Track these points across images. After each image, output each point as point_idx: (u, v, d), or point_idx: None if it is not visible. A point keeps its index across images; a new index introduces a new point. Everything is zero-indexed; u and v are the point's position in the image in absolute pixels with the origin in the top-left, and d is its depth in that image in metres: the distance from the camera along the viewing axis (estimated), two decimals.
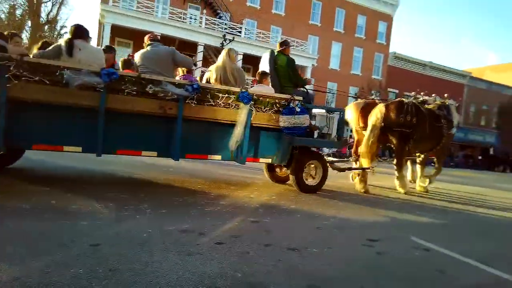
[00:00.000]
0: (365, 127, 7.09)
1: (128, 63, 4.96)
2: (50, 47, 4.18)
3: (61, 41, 4.15)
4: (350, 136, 14.08)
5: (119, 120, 4.32)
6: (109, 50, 5.33)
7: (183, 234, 2.92)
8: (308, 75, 23.69)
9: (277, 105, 5.23)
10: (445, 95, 7.89)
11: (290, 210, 4.32)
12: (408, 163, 8.29)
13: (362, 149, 6.63)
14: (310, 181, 5.76)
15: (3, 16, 22.56)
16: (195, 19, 23.49)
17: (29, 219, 2.92)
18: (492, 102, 37.16)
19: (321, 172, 5.81)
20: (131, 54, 8.47)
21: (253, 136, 5.10)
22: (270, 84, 5.71)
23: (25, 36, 22.02)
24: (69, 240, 2.51)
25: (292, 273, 2.37)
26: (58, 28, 24.89)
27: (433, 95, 7.81)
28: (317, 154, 6.10)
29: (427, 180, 7.69)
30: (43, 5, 23.28)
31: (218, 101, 4.74)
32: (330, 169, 6.09)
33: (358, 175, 6.79)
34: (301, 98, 5.47)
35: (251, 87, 5.62)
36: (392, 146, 6.98)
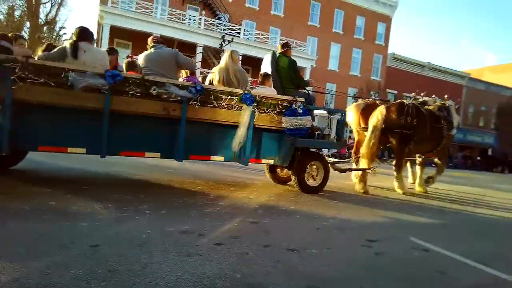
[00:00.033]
0: (365, 128, 7.13)
1: (131, 65, 4.99)
2: (55, 49, 4.20)
3: (66, 43, 4.18)
4: (350, 137, 14.09)
5: (123, 121, 4.35)
6: (112, 52, 5.36)
7: (182, 235, 2.93)
8: (307, 76, 23.72)
9: (280, 106, 5.27)
10: (445, 96, 7.92)
11: (289, 211, 4.32)
12: (408, 164, 8.32)
13: (363, 150, 6.66)
14: (311, 182, 5.79)
15: (1, 17, 22.57)
16: (194, 20, 23.50)
17: (30, 220, 2.92)
18: (490, 103, 37.24)
19: (322, 173, 5.84)
20: (130, 55, 8.47)
21: (255, 137, 5.13)
22: (272, 85, 5.73)
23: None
24: (69, 241, 2.51)
25: (291, 273, 2.37)
26: (57, 29, 24.92)
27: (433, 96, 7.84)
28: (318, 155, 6.14)
29: (430, 180, 7.78)
30: (42, 6, 23.31)
31: (221, 102, 4.78)
32: (330, 170, 6.10)
33: (359, 175, 6.82)
34: (303, 99, 5.50)
35: (250, 88, 5.63)
36: (393, 147, 7.00)
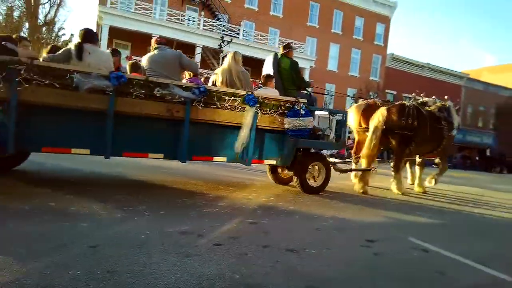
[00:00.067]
0: (366, 128, 7.16)
1: (135, 67, 5.03)
2: (60, 51, 4.23)
3: (71, 45, 4.22)
4: (349, 138, 14.09)
5: (127, 122, 4.37)
6: (115, 53, 5.37)
7: (181, 235, 2.92)
8: (306, 76, 23.74)
9: (282, 107, 5.29)
10: (445, 97, 7.95)
11: (288, 211, 4.32)
12: (407, 165, 8.35)
13: (364, 151, 6.69)
14: (313, 183, 5.81)
15: (0, 18, 22.51)
16: (193, 20, 23.52)
17: (29, 221, 2.92)
18: (489, 103, 37.31)
19: (324, 173, 5.86)
20: (129, 56, 8.48)
21: (258, 138, 5.16)
22: (274, 86, 5.76)
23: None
24: (68, 241, 2.51)
25: (290, 274, 2.37)
26: (56, 30, 24.82)
27: (433, 97, 7.86)
28: (320, 156, 6.17)
29: (433, 180, 7.86)
30: (40, 6, 23.23)
31: (224, 103, 4.80)
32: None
33: (359, 175, 6.85)
34: (305, 100, 5.54)
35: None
36: (393, 148, 7.03)
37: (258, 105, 5.02)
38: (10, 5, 22.51)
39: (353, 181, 7.63)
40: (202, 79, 6.03)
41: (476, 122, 37.15)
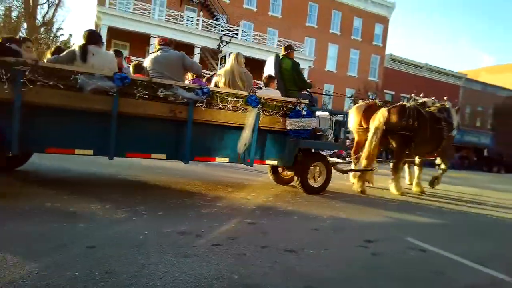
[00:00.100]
0: (366, 129, 7.21)
1: (139, 68, 5.05)
2: (64, 52, 4.25)
3: (75, 47, 4.23)
4: (347, 138, 14.13)
5: (130, 123, 4.39)
6: (117, 54, 5.38)
7: (180, 236, 2.92)
8: (305, 77, 23.73)
9: (284, 108, 5.32)
10: (445, 98, 7.99)
11: (286, 212, 4.32)
12: (405, 166, 8.37)
13: (364, 151, 6.72)
14: (314, 183, 5.84)
15: None
16: (192, 21, 23.50)
17: (27, 221, 2.91)
18: (487, 103, 37.41)
19: (325, 173, 5.89)
20: (127, 56, 8.48)
21: (260, 138, 5.19)
22: (276, 87, 5.79)
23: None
24: (67, 242, 2.51)
25: (289, 274, 2.37)
26: (54, 30, 24.83)
27: (432, 97, 7.90)
28: (321, 156, 6.21)
29: (436, 181, 7.96)
30: (39, 7, 23.23)
31: (227, 104, 4.83)
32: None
33: (358, 175, 6.89)
34: (307, 101, 5.58)
35: None
36: (393, 148, 7.07)
37: (260, 106, 5.06)
38: (8, 5, 22.50)
39: (351, 181, 7.65)
40: (204, 80, 6.05)
41: (474, 122, 37.23)
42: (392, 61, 32.54)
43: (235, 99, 4.86)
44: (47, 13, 23.98)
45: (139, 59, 18.25)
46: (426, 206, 5.88)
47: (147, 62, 4.88)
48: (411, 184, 8.09)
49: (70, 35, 24.59)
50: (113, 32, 20.18)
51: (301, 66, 24.92)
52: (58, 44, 21.06)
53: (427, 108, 7.28)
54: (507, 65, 43.89)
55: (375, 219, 4.48)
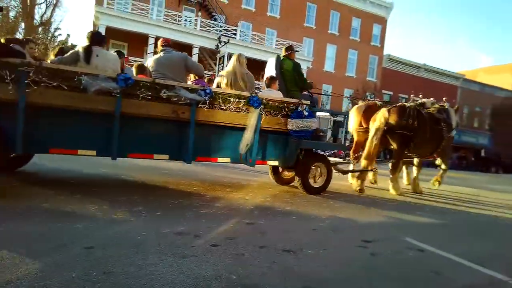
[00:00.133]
0: (366, 129, 7.26)
1: (141, 69, 5.07)
2: (68, 54, 4.27)
3: (79, 48, 4.25)
4: (346, 138, 14.17)
5: (133, 124, 4.41)
6: (119, 55, 5.39)
7: (178, 236, 2.92)
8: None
9: (286, 109, 5.35)
10: (444, 99, 8.03)
11: (285, 212, 4.32)
12: (403, 166, 8.40)
13: (365, 151, 6.76)
14: (315, 183, 5.86)
15: None
16: (190, 21, 23.49)
17: (25, 222, 2.90)
18: (485, 104, 37.52)
19: (325, 174, 5.92)
20: (126, 56, 8.45)
21: (261, 139, 5.21)
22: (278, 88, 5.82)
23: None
24: (64, 242, 2.50)
25: (287, 274, 2.37)
26: (52, 30, 24.74)
27: (431, 98, 7.93)
28: (322, 156, 6.24)
29: (437, 182, 8.06)
30: (36, 7, 23.15)
31: (229, 105, 4.86)
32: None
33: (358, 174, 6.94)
34: (308, 102, 5.60)
35: None
36: (392, 148, 7.11)
37: (262, 107, 5.08)
38: (6, 5, 22.40)
39: (349, 181, 7.67)
40: (205, 80, 6.08)
41: (472, 122, 37.35)
42: (390, 62, 32.62)
43: (237, 100, 4.89)
44: (45, 13, 23.91)
45: (137, 59, 18.26)
46: (425, 206, 5.89)
47: (150, 63, 4.90)
48: (409, 184, 8.11)
49: (68, 35, 24.61)
50: (111, 32, 20.13)
51: None
52: (55, 44, 21.02)
53: (426, 109, 7.33)
54: (505, 66, 44.06)
55: (374, 219, 4.49)
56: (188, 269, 2.27)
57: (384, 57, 32.41)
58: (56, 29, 25.00)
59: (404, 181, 8.43)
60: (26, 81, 3.68)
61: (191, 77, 5.75)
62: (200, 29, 22.51)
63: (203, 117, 4.71)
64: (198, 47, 22.36)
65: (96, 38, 4.32)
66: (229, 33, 23.38)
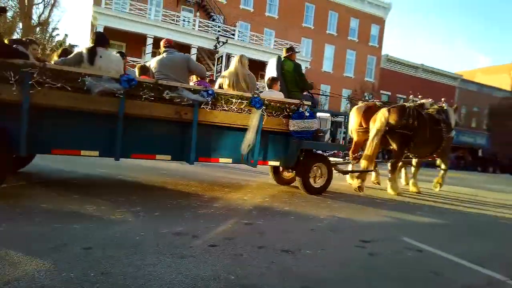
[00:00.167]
0: (366, 129, 7.31)
1: (144, 70, 5.10)
2: (72, 55, 4.28)
3: (83, 49, 4.26)
4: (344, 138, 14.25)
5: (136, 124, 4.42)
6: (121, 56, 5.38)
7: (176, 236, 2.91)
8: None
9: (287, 109, 5.38)
10: (442, 99, 8.06)
11: (283, 212, 4.32)
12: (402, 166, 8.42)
13: (366, 151, 6.78)
14: (315, 183, 5.88)
15: None
16: (189, 21, 23.47)
17: (22, 222, 2.89)
18: (482, 104, 37.63)
19: (326, 174, 5.95)
20: (125, 58, 8.45)
21: (263, 139, 5.24)
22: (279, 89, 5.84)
23: (16, 38, 21.76)
24: (62, 243, 2.49)
25: (285, 275, 2.37)
26: (49, 30, 24.65)
27: (429, 99, 7.96)
28: (322, 157, 6.30)
29: (438, 185, 8.07)
30: (34, 7, 23.06)
31: (231, 106, 4.88)
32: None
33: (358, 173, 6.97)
34: (309, 102, 5.64)
35: None
36: (392, 148, 7.14)
37: (264, 108, 5.11)
38: (3, 5, 22.33)
39: (348, 182, 7.69)
40: (207, 81, 6.09)
41: (470, 122, 37.45)
42: (388, 62, 32.69)
43: (239, 100, 4.91)
44: (42, 13, 23.80)
45: (135, 59, 18.23)
46: (423, 206, 5.90)
47: (152, 64, 4.92)
48: (407, 184, 8.14)
49: (66, 35, 24.47)
50: (109, 32, 20.01)
51: None
52: (53, 44, 20.97)
53: (426, 110, 7.36)
54: (502, 66, 44.19)
55: (373, 219, 4.49)
56: (187, 269, 2.26)
57: (382, 58, 32.47)
58: (53, 29, 24.91)
59: (402, 181, 8.46)
60: (30, 82, 3.68)
61: (193, 78, 5.78)
62: (198, 29, 22.50)
63: (205, 117, 4.74)
64: (197, 47, 22.35)
65: (100, 39, 4.33)
66: (227, 33, 23.38)
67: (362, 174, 6.75)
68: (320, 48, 29.64)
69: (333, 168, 6.21)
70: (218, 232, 3.16)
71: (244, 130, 5.00)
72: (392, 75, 32.49)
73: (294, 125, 5.33)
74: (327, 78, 29.31)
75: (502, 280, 2.73)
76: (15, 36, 21.07)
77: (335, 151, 11.47)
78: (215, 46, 22.34)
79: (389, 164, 7.06)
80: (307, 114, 5.39)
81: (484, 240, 4.11)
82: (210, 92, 4.63)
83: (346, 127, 7.10)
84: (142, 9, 21.02)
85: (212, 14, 24.30)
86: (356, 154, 7.75)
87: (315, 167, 5.86)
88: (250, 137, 4.98)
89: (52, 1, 23.70)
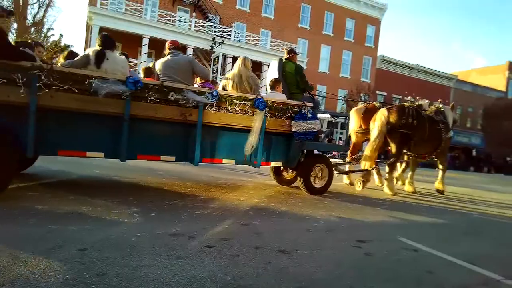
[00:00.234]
0: (365, 130, 7.41)
1: (149, 71, 5.14)
2: (78, 57, 4.31)
3: (89, 51, 4.28)
4: (340, 139, 14.30)
5: (141, 126, 4.44)
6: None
7: (172, 237, 2.90)
8: None
9: (290, 111, 5.43)
10: (439, 100, 8.13)
11: (280, 212, 4.32)
12: (398, 165, 8.46)
13: (366, 152, 6.83)
14: (316, 184, 5.92)
15: None
16: (184, 22, 23.43)
17: (17, 224, 2.87)
18: (477, 104, 37.87)
19: (327, 174, 5.99)
20: None
21: (266, 140, 5.28)
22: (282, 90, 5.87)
23: (11, 38, 21.60)
24: (58, 244, 2.47)
25: (282, 275, 2.36)
26: (44, 30, 24.49)
27: (426, 100, 8.01)
28: (323, 157, 6.36)
29: (440, 184, 8.03)
30: (29, 7, 22.92)
31: (235, 107, 4.92)
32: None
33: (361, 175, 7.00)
34: (312, 104, 5.69)
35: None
36: (389, 148, 7.19)
37: (267, 109, 5.14)
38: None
39: (344, 182, 7.72)
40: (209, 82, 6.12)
41: (465, 123, 37.68)
42: (384, 62, 32.83)
43: (243, 102, 4.95)
44: (37, 13, 23.66)
45: (131, 60, 18.16)
46: (419, 206, 5.93)
47: (157, 66, 4.95)
48: (403, 184, 8.17)
49: (61, 35, 24.33)
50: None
51: None
52: (48, 44, 20.84)
53: (424, 111, 7.42)
54: (497, 67, 44.45)
55: (369, 219, 4.50)
56: (183, 270, 2.25)
57: (378, 58, 32.60)
58: (48, 29, 24.72)
59: (406, 182, 8.47)
60: (37, 84, 3.68)
61: (197, 79, 5.82)
62: (194, 30, 22.48)
63: (209, 119, 4.77)
64: (193, 47, 22.32)
65: (106, 42, 4.34)
66: (223, 33, 23.37)
67: (366, 175, 6.81)
68: (316, 49, 29.70)
69: (333, 169, 6.24)
70: (215, 233, 3.15)
71: (247, 131, 5.04)
72: (387, 75, 32.63)
73: (297, 126, 5.38)
74: (323, 78, 29.37)
75: (497, 280, 2.74)
76: (10, 36, 20.91)
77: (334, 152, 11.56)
78: (211, 46, 22.33)
79: (387, 164, 7.09)
80: (309, 115, 5.45)
81: (481, 240, 4.14)
82: (214, 93, 4.67)
83: (347, 128, 7.15)
84: (138, 9, 20.97)
85: (208, 14, 24.28)
86: (354, 156, 7.80)
87: (316, 168, 5.91)
88: (253, 138, 5.02)
89: (47, 1, 23.59)
